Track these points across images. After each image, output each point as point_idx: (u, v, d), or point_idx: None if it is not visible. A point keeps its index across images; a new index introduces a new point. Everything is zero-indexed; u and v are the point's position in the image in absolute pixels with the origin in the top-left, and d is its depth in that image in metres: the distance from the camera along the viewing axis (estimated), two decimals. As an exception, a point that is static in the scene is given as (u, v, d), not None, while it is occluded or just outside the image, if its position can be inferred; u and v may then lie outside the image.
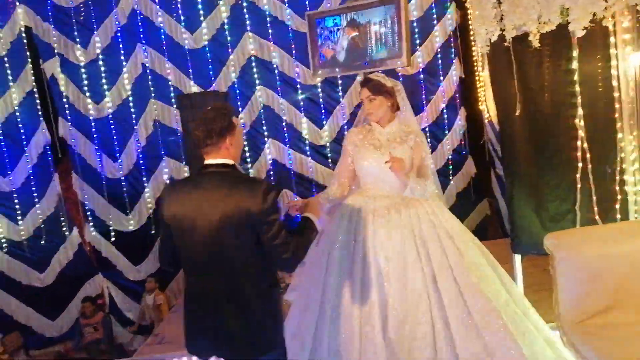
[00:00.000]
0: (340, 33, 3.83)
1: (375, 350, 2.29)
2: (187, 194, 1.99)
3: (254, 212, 1.86)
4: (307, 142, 5.58)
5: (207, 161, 1.99)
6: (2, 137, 5.44)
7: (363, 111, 2.77)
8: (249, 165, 5.63)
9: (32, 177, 5.52)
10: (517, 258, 3.32)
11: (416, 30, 5.32)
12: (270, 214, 1.88)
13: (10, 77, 5.39)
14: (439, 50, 5.43)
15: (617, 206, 2.88)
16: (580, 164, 2.97)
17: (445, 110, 5.54)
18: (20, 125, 5.48)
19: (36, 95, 5.47)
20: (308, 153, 5.59)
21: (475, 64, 5.26)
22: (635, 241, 2.25)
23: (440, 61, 5.46)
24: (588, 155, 2.95)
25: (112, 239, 5.64)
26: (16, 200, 5.51)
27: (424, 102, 5.51)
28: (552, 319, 2.67)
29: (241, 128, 2.12)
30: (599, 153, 2.95)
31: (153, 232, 5.64)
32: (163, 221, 2.05)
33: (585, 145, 2.97)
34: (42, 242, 5.60)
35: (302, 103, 5.57)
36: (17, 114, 5.45)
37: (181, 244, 2.02)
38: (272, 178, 5.64)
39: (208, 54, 5.47)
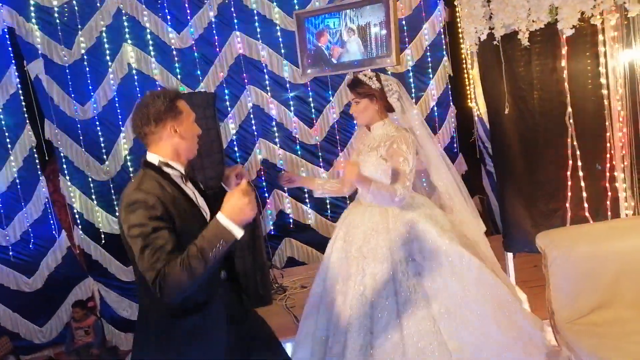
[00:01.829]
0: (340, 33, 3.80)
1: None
2: None
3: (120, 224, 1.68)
4: (297, 141, 5.56)
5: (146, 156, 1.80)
6: (-14, 141, 5.33)
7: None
8: (241, 165, 5.59)
9: (17, 181, 5.43)
10: (510, 255, 3.34)
11: (405, 28, 5.32)
12: (130, 227, 1.62)
13: (-7, 79, 5.28)
14: (428, 48, 5.43)
15: (608, 203, 2.90)
16: (570, 161, 2.98)
17: (435, 108, 5.55)
18: (4, 128, 5.39)
19: (21, 97, 5.38)
20: (299, 152, 5.57)
21: (464, 61, 5.28)
22: (626, 239, 2.27)
23: (429, 59, 5.47)
24: (578, 152, 2.97)
25: (102, 242, 5.57)
26: (0, 205, 5.43)
27: (414, 100, 5.52)
28: (545, 315, 2.69)
29: (192, 114, 1.88)
30: (589, 150, 2.96)
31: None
32: None
33: (575, 142, 2.98)
34: (30, 246, 5.52)
35: (291, 102, 5.54)
36: (1, 116, 5.35)
37: None
38: (263, 178, 5.61)
39: (195, 54, 5.42)
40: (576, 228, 2.56)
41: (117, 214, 5.43)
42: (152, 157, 1.74)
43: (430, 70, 5.50)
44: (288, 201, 5.61)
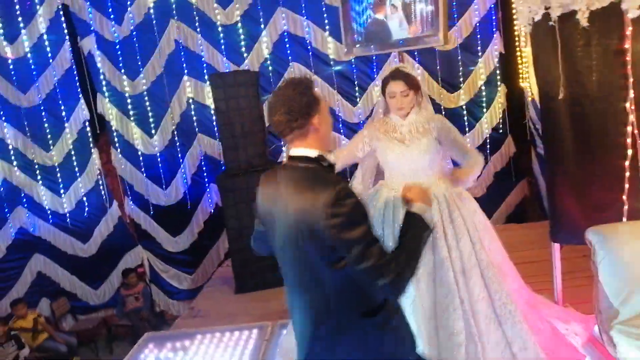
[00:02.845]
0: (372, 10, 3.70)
1: None
2: (270, 187, 1.64)
3: (317, 228, 1.45)
4: (340, 120, 5.51)
5: (291, 151, 1.60)
6: (44, 114, 5.60)
7: (390, 105, 2.63)
8: (282, 143, 5.62)
9: (72, 152, 5.71)
10: (556, 245, 3.21)
11: (454, 3, 5.09)
12: (341, 230, 1.42)
13: (49, 55, 5.50)
14: (477, 25, 5.19)
15: (668, 197, 2.73)
16: (629, 151, 2.80)
17: (483, 87, 5.34)
18: (60, 102, 5.64)
19: (75, 72, 5.59)
20: (342, 131, 5.53)
21: (516, 38, 5.01)
22: (685, 238, 2.13)
23: (479, 36, 5.23)
24: (639, 141, 2.78)
25: (151, 212, 5.80)
26: (59, 174, 5.73)
27: (461, 79, 5.32)
28: (590, 309, 2.60)
29: (326, 101, 1.71)
30: (651, 139, 2.77)
31: (189, 206, 5.77)
32: (256, 209, 1.74)
33: (637, 130, 2.79)
34: (85, 214, 5.83)
35: (335, 80, 5.48)
36: (57, 90, 5.59)
37: (270, 241, 1.73)
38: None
39: (240, 30, 5.42)
40: (631, 225, 2.42)
41: (164, 187, 5.70)
42: (307, 152, 1.58)
43: (479, 48, 5.26)
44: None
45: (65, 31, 5.49)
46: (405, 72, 2.64)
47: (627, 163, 2.81)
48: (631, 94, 2.81)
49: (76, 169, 5.73)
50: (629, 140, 2.80)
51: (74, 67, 5.56)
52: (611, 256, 2.12)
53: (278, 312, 3.71)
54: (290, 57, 5.47)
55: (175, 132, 5.65)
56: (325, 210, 1.42)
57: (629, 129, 2.82)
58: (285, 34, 5.41)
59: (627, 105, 2.83)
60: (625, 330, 2.04)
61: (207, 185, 5.74)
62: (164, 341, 3.46)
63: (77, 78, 5.59)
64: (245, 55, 5.44)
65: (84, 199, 5.80)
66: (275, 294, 4.23)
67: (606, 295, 2.13)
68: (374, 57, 5.32)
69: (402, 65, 2.79)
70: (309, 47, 5.41)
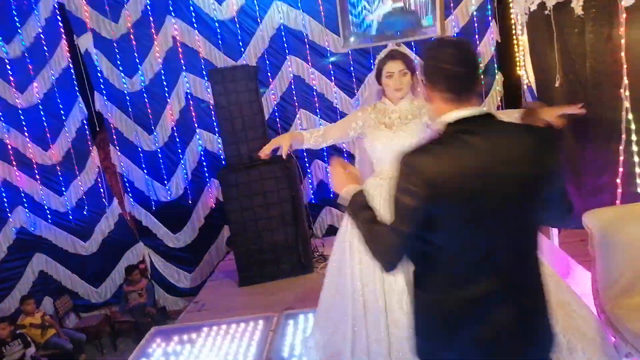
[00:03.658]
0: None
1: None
2: (478, 156, 1.37)
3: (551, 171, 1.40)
4: (338, 111, 5.54)
5: (466, 112, 1.41)
6: (42, 113, 5.62)
7: (387, 86, 2.54)
8: (281, 136, 5.65)
9: (72, 151, 5.73)
10: (554, 230, 3.28)
11: (450, -7, 5.13)
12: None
13: (46, 54, 5.51)
14: (474, 13, 5.22)
15: (662, 180, 2.79)
16: (624, 136, 2.86)
17: (481, 76, 5.38)
18: (58, 101, 5.65)
19: (72, 71, 5.60)
20: (340, 122, 5.56)
21: (513, 27, 5.04)
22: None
23: (475, 25, 5.27)
24: (633, 126, 2.84)
25: (152, 209, 5.84)
26: (59, 173, 5.75)
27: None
28: (586, 290, 2.67)
29: None
30: (645, 124, 2.82)
31: (190, 201, 5.81)
32: (426, 203, 1.36)
33: (630, 115, 2.85)
34: (85, 212, 5.86)
35: (332, 72, 5.51)
36: (55, 89, 5.60)
37: (461, 231, 1.40)
38: (304, 150, 5.66)
39: (237, 25, 5.44)
40: (626, 207, 2.47)
41: (166, 182, 5.73)
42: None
43: (476, 36, 5.30)
44: (328, 171, 5.66)
45: (62, 30, 5.50)
46: (403, 52, 2.60)
47: (621, 147, 2.88)
48: (625, 80, 2.87)
49: (75, 167, 5.75)
50: (623, 126, 2.87)
51: (71, 65, 5.57)
52: (608, 238, 2.18)
53: (282, 303, 3.78)
54: (287, 51, 5.50)
55: (175, 128, 5.68)
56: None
57: (623, 114, 2.88)
58: (282, 27, 5.43)
59: (622, 91, 2.89)
60: (623, 311, 2.11)
61: (207, 180, 5.78)
62: (171, 335, 3.51)
63: (74, 76, 5.59)
64: (242, 50, 5.47)
65: (84, 197, 5.82)
66: (279, 285, 4.31)
67: (604, 276, 2.19)
68: (371, 49, 5.35)
69: (399, 47, 2.72)
70: (305, 40, 5.43)
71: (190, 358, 3.21)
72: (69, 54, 5.54)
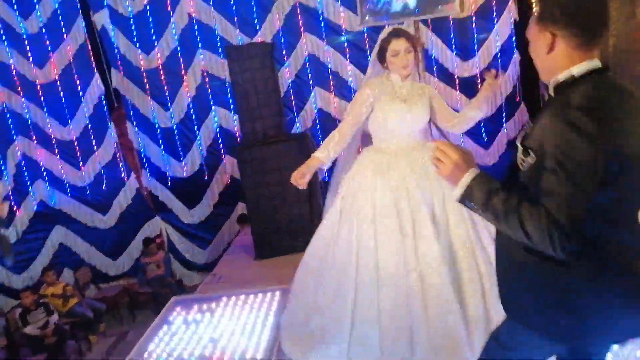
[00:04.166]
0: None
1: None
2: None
3: None
4: (353, 90, 5.55)
5: (594, 64, 1.28)
6: (60, 89, 5.69)
7: (393, 64, 2.50)
8: (295, 114, 5.68)
9: (89, 126, 5.81)
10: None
11: (468, -31, 5.07)
12: None
13: (63, 30, 5.56)
14: (493, -9, 5.17)
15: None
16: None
17: (499, 55, 5.34)
18: (75, 77, 5.72)
19: (89, 47, 5.64)
20: (354, 100, 5.58)
21: (532, 6, 4.98)
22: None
23: (494, 2, 5.21)
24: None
25: (168, 184, 5.94)
26: (77, 148, 5.85)
27: (476, 47, 5.33)
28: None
29: None
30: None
31: (206, 178, 5.90)
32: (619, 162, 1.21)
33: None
34: (103, 187, 5.97)
35: (347, 50, 5.50)
36: (72, 65, 5.66)
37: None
38: (318, 127, 5.70)
39: (252, 2, 5.43)
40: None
41: (182, 158, 5.82)
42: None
43: (494, 15, 5.24)
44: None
45: (78, 6, 5.53)
46: (406, 30, 2.62)
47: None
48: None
49: (93, 142, 5.85)
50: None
51: (88, 42, 5.61)
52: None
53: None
54: (302, 28, 5.49)
55: (191, 105, 5.73)
56: None
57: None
58: (297, 4, 5.41)
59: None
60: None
61: (223, 157, 5.85)
62: (191, 304, 3.61)
63: (91, 53, 5.64)
64: (257, 27, 5.47)
65: (102, 172, 5.93)
66: (294, 259, 4.34)
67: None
68: (386, 26, 5.31)
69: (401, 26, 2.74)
70: (320, 18, 5.42)
71: (210, 326, 3.31)
72: (85, 30, 5.58)
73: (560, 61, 1.31)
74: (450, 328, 2.34)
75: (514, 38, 5.31)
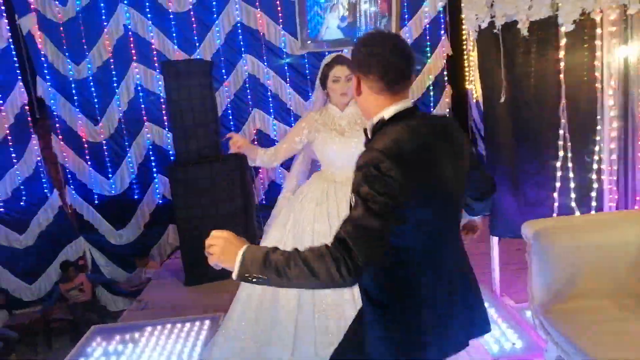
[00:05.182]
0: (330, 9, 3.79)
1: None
2: (432, 152, 1.38)
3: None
4: (292, 113, 5.57)
5: (401, 105, 1.41)
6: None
7: (333, 91, 2.57)
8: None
9: (9, 137, 5.40)
10: (495, 239, 3.46)
11: (405, 5, 5.27)
12: None
13: (-17, 33, 5.17)
14: (427, 26, 5.40)
15: (594, 195, 3.01)
16: (561, 153, 3.07)
17: (431, 88, 5.57)
18: (-5, 83, 5.31)
19: (13, 53, 5.28)
20: (293, 124, 5.58)
21: (463, 42, 5.27)
22: (608, 233, 2.37)
23: (428, 37, 5.45)
24: (569, 144, 3.05)
25: (95, 202, 5.61)
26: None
27: (410, 78, 5.53)
28: (525, 298, 2.84)
29: None
30: (579, 143, 3.04)
31: (136, 197, 5.63)
32: (404, 197, 1.30)
33: (567, 134, 3.06)
34: (22, 203, 5.54)
35: (287, 73, 5.52)
36: (-7, 71, 5.26)
37: (426, 220, 1.39)
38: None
39: (193, 19, 5.34)
40: (561, 220, 2.66)
41: (110, 176, 5.53)
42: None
43: (428, 49, 5.48)
44: (280, 172, 5.67)
45: (2, 7, 5.17)
46: (348, 57, 2.67)
47: (558, 164, 3.09)
48: (563, 100, 3.08)
49: (13, 155, 5.43)
50: (560, 143, 3.08)
51: (11, 46, 5.25)
52: (544, 247, 2.33)
53: (230, 303, 3.73)
54: (243, 49, 5.45)
55: (122, 120, 5.49)
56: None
57: (561, 132, 3.09)
58: (239, 24, 5.38)
59: (560, 110, 3.10)
60: (554, 315, 2.26)
61: (155, 175, 5.63)
62: (112, 333, 3.40)
63: (15, 59, 5.28)
64: (197, 44, 5.37)
65: (21, 187, 5.50)
66: (226, 285, 4.22)
67: (538, 283, 2.34)
68: (326, 53, 5.39)
69: (344, 53, 2.81)
70: (261, 40, 5.41)
71: (132, 358, 3.12)
72: (9, 34, 5.22)
73: (371, 103, 1.44)
74: None
75: (445, 72, 5.55)
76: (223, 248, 1.32)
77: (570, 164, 3.06)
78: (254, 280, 1.29)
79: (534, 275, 2.37)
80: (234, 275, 1.31)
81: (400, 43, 1.43)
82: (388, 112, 1.41)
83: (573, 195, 3.05)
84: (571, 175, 3.06)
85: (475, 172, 1.62)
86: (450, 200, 1.46)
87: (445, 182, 1.41)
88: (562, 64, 3.03)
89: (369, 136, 1.47)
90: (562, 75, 3.04)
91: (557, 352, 2.25)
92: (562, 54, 3.01)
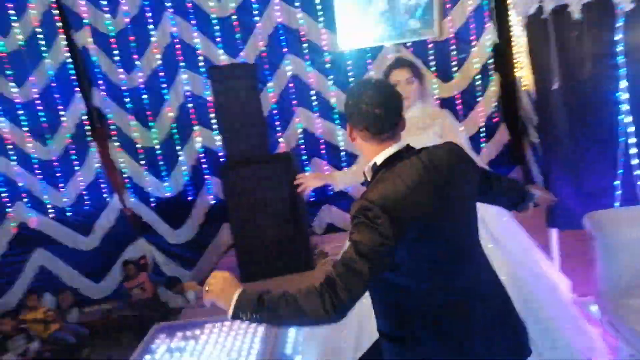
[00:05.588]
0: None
1: None
2: (424, 191, 1.43)
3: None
4: (335, 110, 5.57)
5: (392, 149, 1.49)
6: (40, 108, 5.59)
7: None
8: (279, 135, 5.68)
9: (71, 146, 5.71)
10: (554, 231, 3.34)
11: (447, -6, 5.14)
12: None
13: (43, 48, 5.48)
14: (471, 14, 5.24)
15: (660, 182, 2.86)
16: (622, 139, 2.93)
17: (478, 77, 5.41)
18: (56, 96, 5.62)
19: (70, 66, 5.57)
20: (337, 121, 5.60)
21: (511, 29, 5.09)
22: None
23: (473, 25, 5.29)
24: (631, 129, 2.90)
25: (152, 205, 5.85)
26: (58, 168, 5.73)
27: (455, 68, 5.40)
28: (586, 291, 2.75)
29: None
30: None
31: (190, 198, 5.83)
32: (394, 241, 1.37)
33: (629, 119, 2.91)
34: (85, 207, 5.86)
35: (329, 71, 5.52)
36: (53, 84, 5.58)
37: (426, 253, 1.46)
38: (303, 147, 5.70)
39: (235, 22, 5.43)
40: (625, 210, 2.54)
41: (165, 178, 5.74)
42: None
43: (473, 37, 5.32)
44: (327, 169, 5.70)
45: (59, 24, 5.46)
46: (409, 59, 2.65)
47: (619, 150, 2.95)
48: (621, 84, 2.93)
49: (75, 162, 5.74)
50: (621, 129, 2.93)
51: (68, 60, 5.54)
52: (608, 240, 2.24)
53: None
54: (285, 49, 5.50)
55: (174, 125, 5.68)
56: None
57: (621, 117, 2.94)
58: (280, 25, 5.43)
59: (619, 94, 2.95)
60: (623, 310, 2.17)
61: (207, 177, 5.80)
62: (174, 331, 3.56)
63: (73, 72, 5.57)
64: (240, 47, 5.47)
65: (84, 192, 5.81)
66: (280, 282, 4.34)
67: (605, 277, 2.25)
68: (369, 48, 5.36)
69: (404, 54, 2.79)
70: (303, 39, 5.44)
71: (194, 354, 3.25)
72: (67, 49, 5.51)
73: (365, 148, 1.54)
74: None
75: (492, 60, 5.38)
76: (222, 289, 1.46)
77: (633, 150, 2.91)
78: (247, 319, 1.42)
79: (599, 270, 2.28)
80: (229, 315, 1.44)
81: (380, 94, 1.48)
82: (379, 158, 1.50)
83: (638, 184, 2.90)
84: (635, 161, 2.91)
85: (490, 189, 1.70)
86: (457, 227, 1.50)
87: (443, 213, 1.45)
88: (619, 47, 2.89)
89: (368, 179, 1.55)
90: (620, 58, 2.90)
91: (629, 350, 2.16)
92: (619, 34, 2.87)
